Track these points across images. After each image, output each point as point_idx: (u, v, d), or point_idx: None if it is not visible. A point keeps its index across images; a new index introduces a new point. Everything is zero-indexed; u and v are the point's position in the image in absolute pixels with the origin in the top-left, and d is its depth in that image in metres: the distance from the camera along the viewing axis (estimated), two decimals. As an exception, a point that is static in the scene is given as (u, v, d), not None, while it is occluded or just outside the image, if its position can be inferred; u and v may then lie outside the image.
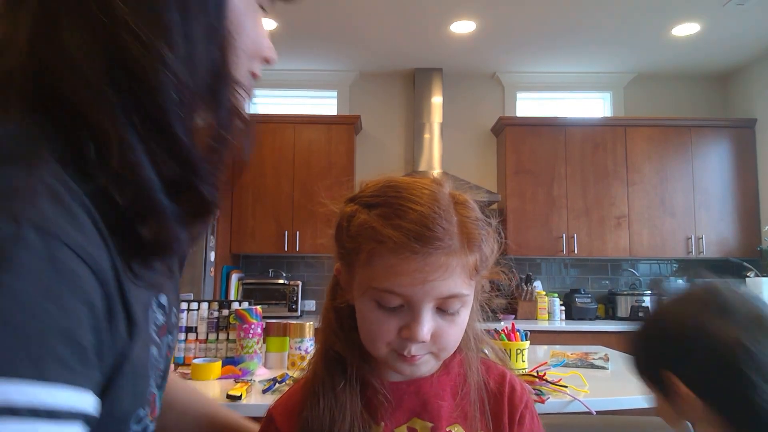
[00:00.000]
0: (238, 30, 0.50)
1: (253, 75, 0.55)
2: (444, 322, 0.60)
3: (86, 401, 0.36)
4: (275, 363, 1.83)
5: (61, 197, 0.38)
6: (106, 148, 0.41)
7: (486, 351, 0.72)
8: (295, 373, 1.64)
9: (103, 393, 0.40)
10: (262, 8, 0.55)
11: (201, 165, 0.47)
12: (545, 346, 2.48)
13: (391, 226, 0.57)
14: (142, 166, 0.42)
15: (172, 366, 1.66)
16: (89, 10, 0.41)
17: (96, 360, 0.38)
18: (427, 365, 0.63)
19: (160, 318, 0.54)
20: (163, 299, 0.54)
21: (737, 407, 0.69)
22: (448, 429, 0.64)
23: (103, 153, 0.42)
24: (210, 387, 1.57)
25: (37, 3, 0.42)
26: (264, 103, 4.42)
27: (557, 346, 2.39)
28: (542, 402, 1.41)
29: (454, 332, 0.62)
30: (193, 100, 0.46)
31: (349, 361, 0.64)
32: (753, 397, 0.67)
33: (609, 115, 4.40)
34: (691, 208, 3.99)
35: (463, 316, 0.62)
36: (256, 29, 0.54)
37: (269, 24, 3.48)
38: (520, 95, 4.50)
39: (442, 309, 0.60)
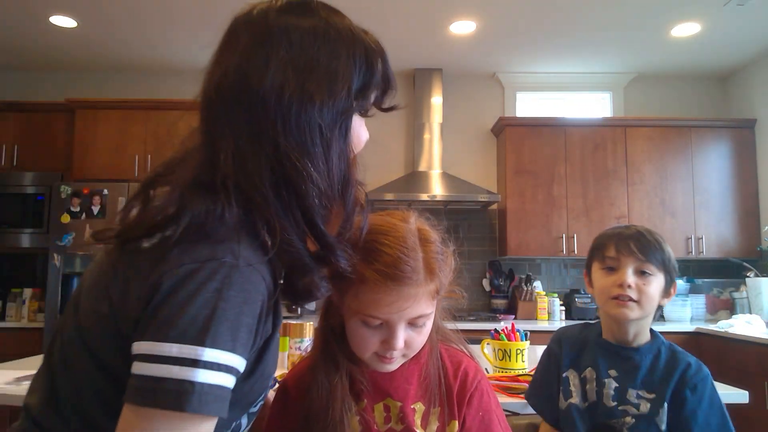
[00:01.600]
0: (355, 143, 0.73)
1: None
2: (413, 333, 0.81)
3: (243, 366, 0.61)
4: (275, 363, 1.83)
5: (253, 248, 0.64)
6: (273, 230, 0.64)
7: (457, 344, 0.93)
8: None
9: (259, 360, 0.67)
10: (362, 116, 0.76)
11: (334, 246, 0.69)
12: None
13: (371, 269, 0.77)
14: (295, 242, 0.65)
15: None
16: (264, 148, 0.65)
17: (253, 342, 0.63)
18: (398, 363, 0.85)
19: None
20: None
21: None
22: (412, 406, 0.86)
23: (271, 233, 0.65)
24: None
25: (232, 142, 0.65)
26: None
27: (557, 346, 2.37)
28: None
29: (421, 339, 0.83)
30: (329, 201, 0.68)
31: (341, 362, 0.85)
32: None
33: (609, 116, 4.40)
34: (691, 208, 3.99)
35: (428, 326, 0.84)
36: (361, 133, 0.75)
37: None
38: (520, 95, 4.50)
39: (412, 324, 0.81)
